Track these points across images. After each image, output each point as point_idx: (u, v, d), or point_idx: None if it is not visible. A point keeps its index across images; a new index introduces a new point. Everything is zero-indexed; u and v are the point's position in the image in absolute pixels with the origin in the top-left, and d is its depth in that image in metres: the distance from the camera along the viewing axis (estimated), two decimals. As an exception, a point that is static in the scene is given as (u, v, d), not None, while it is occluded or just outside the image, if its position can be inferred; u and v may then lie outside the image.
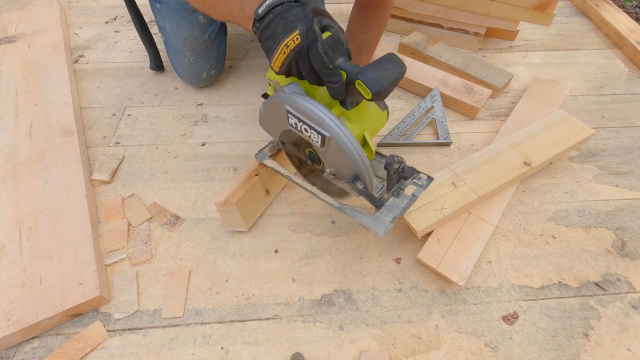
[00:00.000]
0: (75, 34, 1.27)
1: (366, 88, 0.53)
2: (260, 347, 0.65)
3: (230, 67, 1.16)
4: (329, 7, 1.15)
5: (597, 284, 0.73)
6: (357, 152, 0.57)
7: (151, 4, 0.97)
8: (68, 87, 1.02)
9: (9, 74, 1.05)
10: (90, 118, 1.01)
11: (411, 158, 0.93)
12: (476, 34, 1.21)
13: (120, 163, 0.91)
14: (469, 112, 1.03)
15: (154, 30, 1.09)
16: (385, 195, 0.66)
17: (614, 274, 0.75)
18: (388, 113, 0.68)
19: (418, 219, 0.74)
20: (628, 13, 1.59)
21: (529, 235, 0.80)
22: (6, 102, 0.97)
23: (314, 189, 0.72)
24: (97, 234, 0.77)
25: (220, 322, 0.68)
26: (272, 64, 0.57)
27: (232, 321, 0.68)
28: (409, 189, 0.68)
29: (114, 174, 0.88)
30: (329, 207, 0.83)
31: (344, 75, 0.56)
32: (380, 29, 0.90)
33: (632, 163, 0.93)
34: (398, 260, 0.76)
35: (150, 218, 0.81)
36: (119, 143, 0.95)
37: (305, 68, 0.56)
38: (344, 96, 0.58)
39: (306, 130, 0.60)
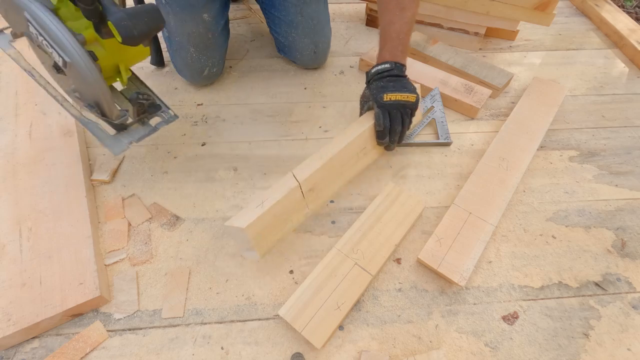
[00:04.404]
0: (75, 34, 1.27)
1: (117, 32, 0.55)
2: (260, 347, 0.65)
3: (230, 67, 1.16)
4: (329, 7, 1.15)
5: (597, 284, 0.73)
6: (97, 83, 0.59)
7: None
8: (68, 87, 1.02)
9: (9, 74, 1.05)
10: (90, 118, 1.01)
11: (411, 158, 0.93)
12: (476, 34, 1.21)
13: (120, 163, 0.91)
14: (469, 112, 1.03)
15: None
16: (129, 121, 0.72)
17: (614, 274, 0.75)
18: (151, 49, 0.73)
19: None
20: (628, 13, 1.59)
21: (529, 235, 0.80)
22: (6, 102, 0.97)
23: (58, 95, 0.68)
24: (97, 234, 0.77)
25: (220, 322, 0.68)
26: None
27: (232, 321, 0.68)
28: (156, 120, 0.75)
29: (114, 174, 0.88)
30: (329, 208, 0.84)
31: (101, 7, 0.57)
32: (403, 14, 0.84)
33: (632, 163, 0.93)
34: (398, 261, 0.76)
35: (150, 218, 0.81)
36: (119, 143, 0.95)
37: None
38: (97, 21, 0.59)
39: (47, 47, 0.58)
